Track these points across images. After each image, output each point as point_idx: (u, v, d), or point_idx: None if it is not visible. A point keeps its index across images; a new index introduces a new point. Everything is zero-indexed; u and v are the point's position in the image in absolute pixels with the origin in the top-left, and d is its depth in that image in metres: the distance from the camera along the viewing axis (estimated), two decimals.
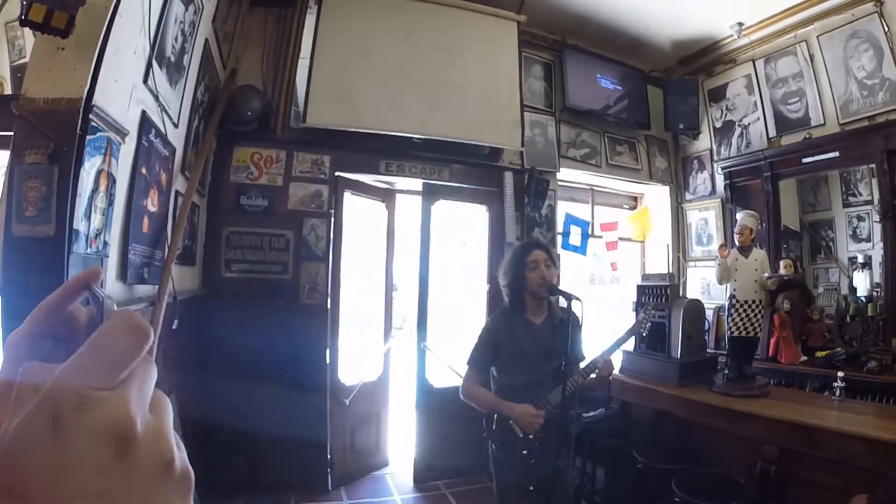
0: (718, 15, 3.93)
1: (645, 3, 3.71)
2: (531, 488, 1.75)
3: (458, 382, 1.92)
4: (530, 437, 1.71)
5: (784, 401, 2.49)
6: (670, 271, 4.13)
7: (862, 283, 3.73)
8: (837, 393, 2.44)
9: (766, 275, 2.93)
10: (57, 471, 0.16)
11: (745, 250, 2.75)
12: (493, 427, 1.79)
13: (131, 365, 0.18)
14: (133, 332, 0.18)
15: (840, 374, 2.52)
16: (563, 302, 1.75)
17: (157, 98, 2.03)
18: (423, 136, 3.32)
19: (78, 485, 0.16)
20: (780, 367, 3.41)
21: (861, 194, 3.88)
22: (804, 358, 3.42)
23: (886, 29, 3.37)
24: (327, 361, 3.10)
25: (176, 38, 2.15)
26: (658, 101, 4.35)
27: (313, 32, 3.12)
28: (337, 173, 3.24)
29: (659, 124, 4.46)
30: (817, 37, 3.70)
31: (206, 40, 2.62)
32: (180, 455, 0.19)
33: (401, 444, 3.58)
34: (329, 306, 3.15)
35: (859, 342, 3.38)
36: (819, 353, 3.34)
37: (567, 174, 4.02)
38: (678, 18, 3.99)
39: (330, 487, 3.02)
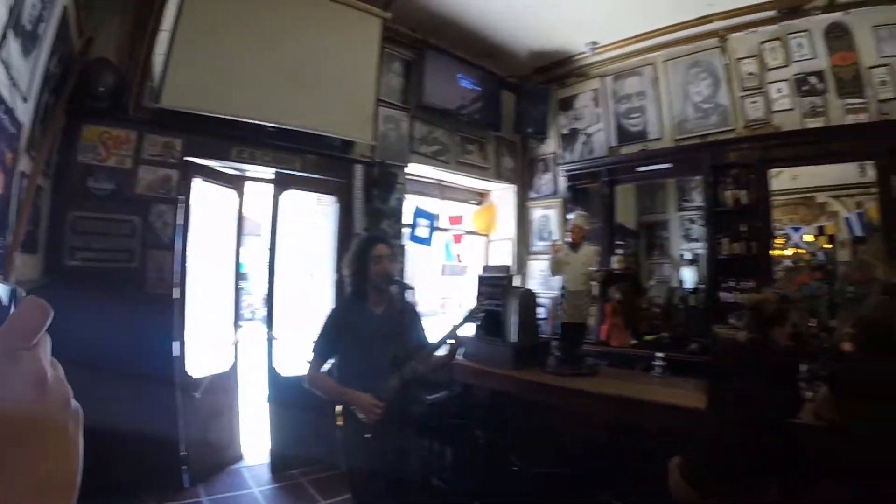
0: (576, 32, 5.54)
1: (509, 13, 4.92)
2: (379, 470, 2.20)
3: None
4: (371, 424, 2.21)
5: (611, 379, 3.48)
6: (513, 263, 5.81)
7: (689, 277, 5.52)
8: (658, 371, 3.57)
9: (593, 268, 4.37)
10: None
11: (575, 247, 4.06)
12: (339, 417, 2.28)
13: (39, 334, 0.33)
14: (39, 311, 0.33)
15: (659, 354, 3.67)
16: (414, 293, 2.40)
17: (8, 70, 2.15)
18: (277, 125, 4.03)
19: (14, 410, 0.31)
20: (612, 349, 4.84)
21: (694, 200, 5.62)
22: (634, 342, 4.95)
23: (726, 62, 5.23)
24: (176, 354, 3.55)
25: (34, 5, 2.28)
26: (511, 105, 5.88)
27: (177, 5, 3.50)
28: (187, 158, 3.73)
29: (510, 127, 5.99)
30: (663, 62, 5.56)
31: (65, 7, 2.74)
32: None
33: (255, 435, 4.25)
34: (177, 296, 3.62)
35: (683, 327, 4.99)
36: (647, 338, 4.92)
37: (417, 169, 5.24)
38: (539, 31, 5.54)
39: (186, 485, 3.48)
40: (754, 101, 5.13)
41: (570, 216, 4.50)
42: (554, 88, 6.01)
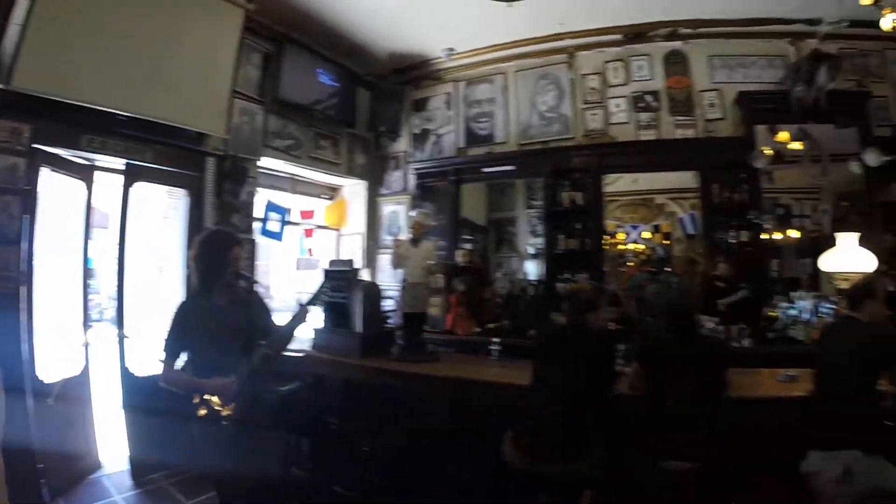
0: (434, 38, 6.48)
1: (371, 13, 5.54)
2: (239, 463, 2.46)
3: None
4: (228, 411, 2.51)
5: (451, 363, 4.19)
6: (363, 258, 6.79)
7: (533, 270, 6.71)
8: (495, 355, 4.27)
9: (432, 262, 5.23)
10: None
11: (416, 242, 4.67)
12: (195, 407, 2.54)
13: None
14: None
15: (496, 339, 4.40)
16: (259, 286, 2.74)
17: None
18: (129, 114, 4.19)
19: None
20: (458, 337, 5.61)
21: (540, 199, 6.65)
22: (478, 329, 5.95)
23: (572, 77, 6.46)
24: (24, 358, 3.58)
25: None
26: (366, 103, 6.72)
27: None
28: (35, 145, 3.77)
29: (364, 124, 6.84)
30: (514, 72, 6.74)
31: None
32: None
33: (113, 441, 4.40)
34: (23, 296, 3.64)
35: (524, 316, 5.98)
36: (490, 326, 5.97)
37: (270, 163, 5.79)
38: (399, 34, 6.36)
39: (47, 499, 3.56)
40: (594, 114, 6.44)
41: (413, 213, 5.42)
42: (409, 89, 7.00)
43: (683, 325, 3.05)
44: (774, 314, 5.64)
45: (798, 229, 7.24)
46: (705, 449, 2.73)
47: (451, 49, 6.35)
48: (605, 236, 6.51)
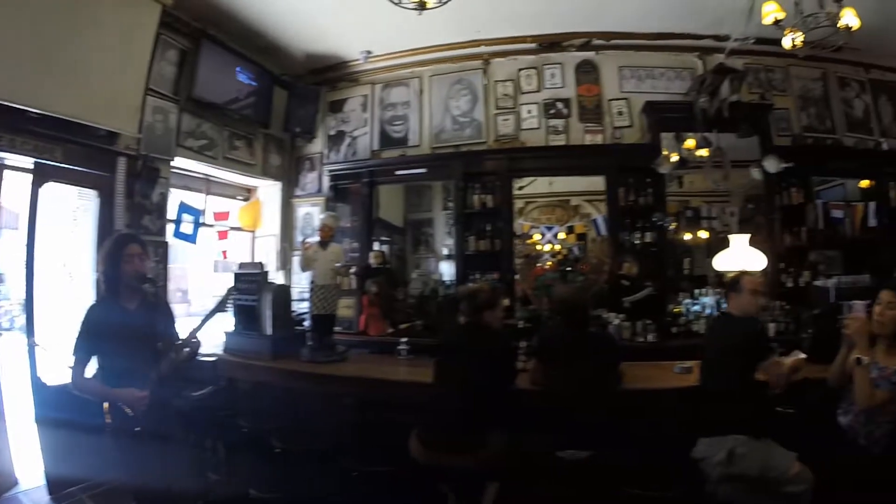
0: (351, 41, 7.02)
1: (289, 13, 5.89)
2: (153, 469, 2.65)
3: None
4: (139, 416, 2.68)
5: (360, 363, 4.60)
6: (277, 260, 7.28)
7: (448, 270, 7.36)
8: (403, 354, 4.66)
9: (339, 264, 5.50)
10: None
11: (324, 244, 5.12)
12: (107, 414, 2.72)
13: None
14: None
15: (403, 339, 4.79)
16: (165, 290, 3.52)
17: None
18: (39, 111, 4.27)
19: None
20: (371, 338, 6.05)
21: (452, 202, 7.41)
22: (391, 330, 6.48)
23: (486, 83, 7.20)
24: None
25: None
26: (282, 104, 7.05)
27: None
28: None
29: (279, 124, 7.17)
30: (430, 76, 7.42)
31: None
32: None
33: (28, 456, 4.42)
34: None
35: (434, 316, 6.62)
36: (402, 326, 6.53)
37: (183, 163, 6.00)
38: (317, 35, 6.82)
39: None
40: (506, 119, 7.20)
41: (321, 216, 5.92)
42: (325, 90, 7.52)
43: (576, 321, 3.50)
44: (679, 310, 6.46)
45: (707, 230, 8.23)
46: (600, 438, 3.11)
47: (369, 52, 6.88)
48: (517, 237, 7.27)
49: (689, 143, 6.91)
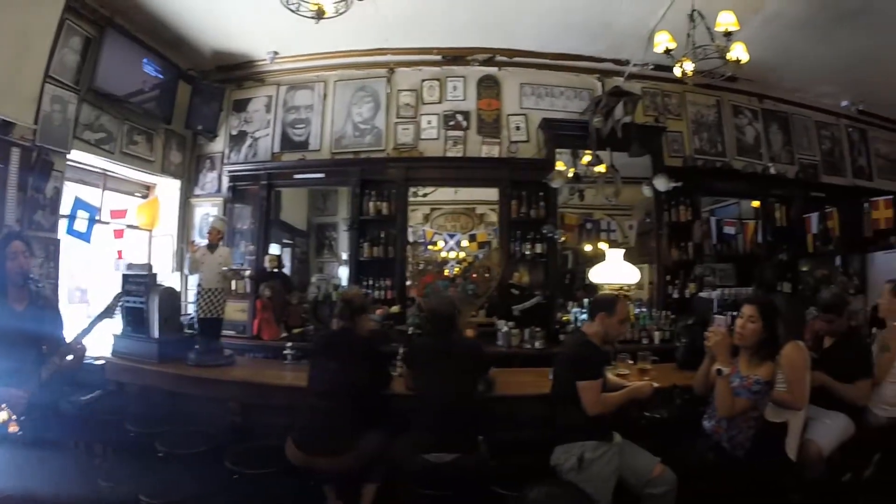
0: (259, 40, 7.09)
1: (199, 7, 5.86)
2: (39, 480, 2.62)
3: None
4: (21, 418, 2.66)
5: (246, 368, 4.63)
6: (174, 260, 7.23)
7: (345, 274, 7.45)
8: (290, 358, 4.74)
9: (227, 268, 5.27)
10: None
11: (212, 247, 5.09)
12: None
13: None
14: None
15: (289, 343, 4.90)
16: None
17: None
18: None
19: None
20: (264, 343, 6.13)
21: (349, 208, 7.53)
22: (285, 334, 6.59)
23: (389, 91, 7.38)
24: None
25: None
26: (186, 99, 6.91)
27: None
28: None
29: (181, 121, 7.00)
30: (335, 81, 7.55)
31: None
32: None
33: None
34: None
35: (326, 321, 6.59)
36: (296, 330, 6.61)
37: (79, 156, 5.79)
38: (225, 32, 6.83)
39: None
40: (406, 128, 7.42)
41: (210, 219, 6.03)
42: (231, 89, 7.52)
43: (442, 330, 3.61)
44: (567, 318, 6.79)
45: (607, 241, 8.77)
46: (466, 442, 3.27)
47: (276, 52, 6.98)
48: (419, 244, 7.60)
49: (585, 159, 7.42)
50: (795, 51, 7.41)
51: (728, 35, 5.06)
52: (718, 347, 3.27)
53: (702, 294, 7.04)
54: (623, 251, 6.48)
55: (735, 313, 4.49)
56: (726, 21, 5.04)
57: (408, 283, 7.00)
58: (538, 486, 3.01)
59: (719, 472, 3.24)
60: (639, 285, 7.85)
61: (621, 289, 6.48)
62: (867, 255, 8.59)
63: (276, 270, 6.84)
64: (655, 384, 3.76)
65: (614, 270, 6.43)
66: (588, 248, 8.13)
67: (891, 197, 8.06)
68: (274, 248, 7.35)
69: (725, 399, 3.18)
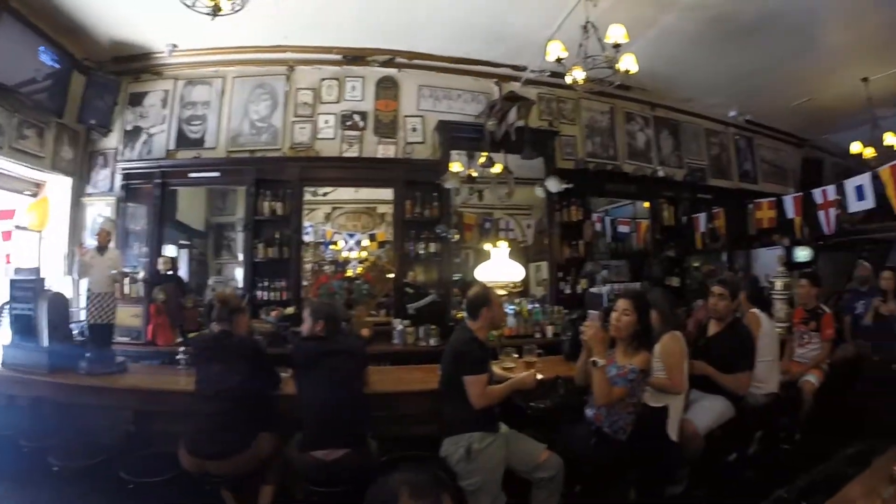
0: (158, 32, 6.88)
1: None
2: None
3: None
4: None
5: (139, 374, 4.55)
6: (65, 262, 6.74)
7: (240, 275, 7.34)
8: (182, 363, 4.55)
9: (116, 271, 5.14)
10: None
11: (101, 249, 4.94)
12: None
13: None
14: None
15: (181, 348, 4.71)
16: None
17: None
18: None
19: None
20: (159, 348, 5.84)
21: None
22: (180, 339, 6.27)
23: (287, 89, 7.35)
24: None
25: None
26: (79, 91, 6.56)
27: None
28: None
29: (74, 114, 6.61)
30: (233, 77, 7.46)
31: None
32: None
33: None
34: None
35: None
36: (191, 335, 6.23)
37: None
38: (124, 21, 6.55)
39: None
40: (303, 127, 7.47)
41: (99, 220, 5.71)
42: (126, 81, 7.19)
43: (328, 329, 3.67)
44: (461, 315, 7.09)
45: (506, 240, 9.26)
46: (354, 438, 3.39)
47: (174, 45, 6.83)
48: (319, 244, 7.66)
49: (480, 160, 7.80)
50: (688, 64, 8.02)
51: (617, 47, 5.43)
52: (593, 340, 3.46)
53: (592, 289, 7.44)
54: (508, 249, 6.76)
55: (592, 311, 5.14)
56: (616, 34, 5.39)
57: (304, 283, 7.01)
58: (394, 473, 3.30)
59: (603, 455, 3.53)
60: (536, 282, 8.43)
61: (506, 286, 6.96)
62: (751, 252, 9.59)
63: (170, 273, 6.71)
64: (540, 375, 3.97)
65: (499, 268, 6.67)
66: (487, 246, 8.36)
67: (773, 199, 8.80)
68: (170, 250, 7.12)
69: (602, 388, 3.41)
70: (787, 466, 4.85)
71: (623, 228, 9.33)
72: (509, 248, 8.89)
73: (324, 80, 7.49)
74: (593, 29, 5.63)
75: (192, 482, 3.48)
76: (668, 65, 8.02)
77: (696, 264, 9.65)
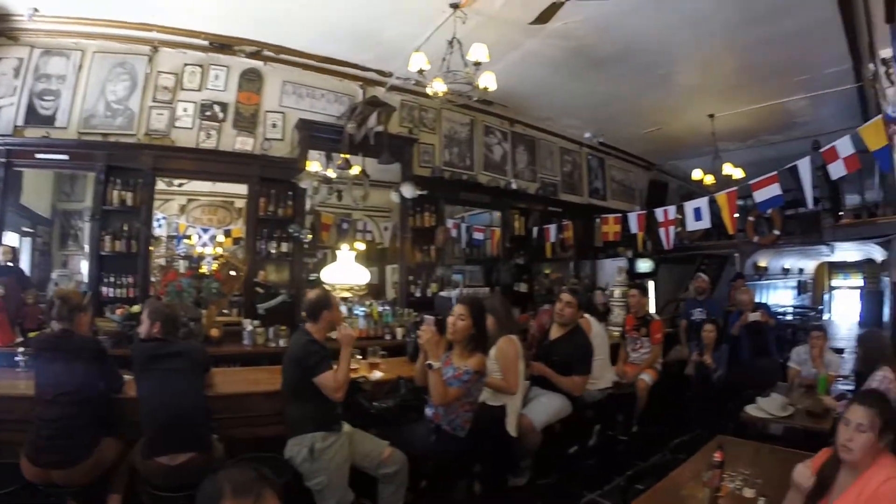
0: None
1: None
2: None
3: None
4: None
5: None
6: None
7: (86, 269, 6.87)
8: (22, 365, 4.25)
9: None
10: None
11: None
12: None
13: None
14: None
15: (21, 350, 4.38)
16: None
17: None
18: None
19: None
20: None
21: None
22: (20, 339, 5.76)
23: (148, 71, 7.07)
24: None
25: None
26: None
27: None
28: None
29: None
30: (94, 52, 6.96)
31: None
32: None
33: None
34: None
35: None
36: (32, 334, 5.74)
37: None
38: None
39: None
40: (161, 114, 7.19)
41: None
42: None
43: (166, 330, 3.69)
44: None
45: (364, 241, 9.84)
46: (198, 442, 3.42)
47: (36, 9, 6.18)
48: (172, 238, 7.51)
49: (339, 162, 8.29)
50: (548, 86, 8.71)
51: (478, 65, 5.82)
52: (428, 344, 3.64)
53: (442, 293, 8.05)
54: (354, 253, 7.22)
55: (427, 316, 5.58)
56: (478, 53, 5.78)
57: (153, 280, 6.72)
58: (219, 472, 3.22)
59: (443, 451, 3.81)
60: (392, 284, 8.95)
61: (351, 289, 7.53)
62: (597, 262, 10.77)
63: (10, 265, 6.21)
64: (379, 374, 4.62)
65: (345, 271, 7.13)
66: (345, 247, 8.82)
67: (619, 215, 9.79)
68: (11, 238, 6.54)
69: (438, 389, 3.60)
70: (626, 456, 5.65)
71: (478, 235, 9.94)
72: (366, 250, 9.58)
73: (187, 65, 7.21)
74: (458, 45, 5.99)
75: (35, 494, 3.45)
76: (530, 85, 8.67)
77: (547, 271, 10.66)
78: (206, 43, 7.53)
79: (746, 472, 2.95)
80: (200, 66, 7.59)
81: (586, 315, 5.60)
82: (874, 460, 2.31)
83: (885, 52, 5.18)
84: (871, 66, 6.55)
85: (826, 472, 2.43)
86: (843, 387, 6.07)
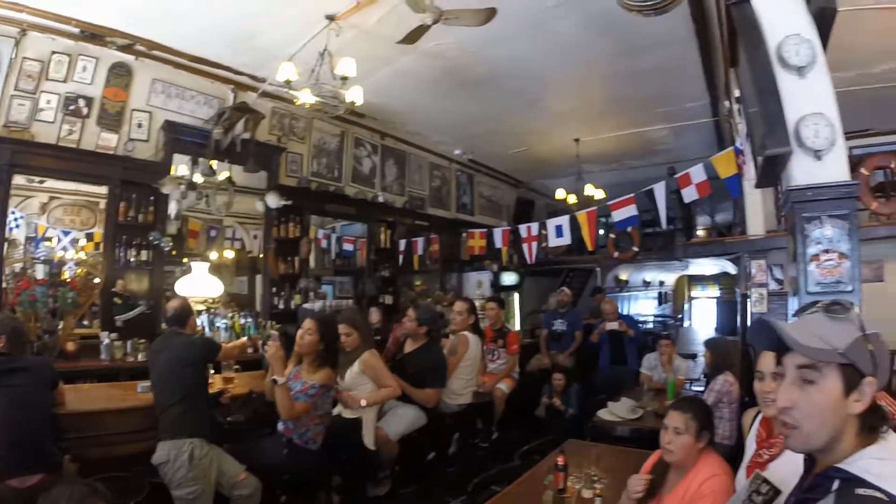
0: None
1: None
2: None
3: None
4: None
5: None
6: None
7: None
8: None
9: None
10: None
11: None
12: None
13: None
14: None
15: None
16: None
17: None
18: None
19: None
20: None
21: None
22: None
23: (14, 56, 6.62)
24: None
25: None
26: None
27: None
28: None
29: None
30: None
31: None
32: None
33: None
34: None
35: None
36: None
37: None
38: None
39: None
40: (22, 104, 6.78)
41: None
42: None
43: (12, 345, 3.58)
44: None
45: (233, 249, 9.61)
46: (47, 462, 3.38)
47: None
48: (7, 241, 6.95)
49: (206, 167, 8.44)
50: (420, 103, 9.11)
51: (344, 80, 6.07)
52: (273, 359, 3.73)
53: (306, 305, 8.24)
54: (207, 265, 7.34)
55: (273, 332, 5.85)
56: (345, 67, 6.00)
57: (4, 286, 6.16)
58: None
59: (296, 464, 3.96)
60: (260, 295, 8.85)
61: (205, 301, 7.87)
62: (463, 274, 11.45)
63: None
64: (231, 388, 4.67)
65: (198, 283, 7.22)
66: (213, 254, 8.55)
67: (485, 230, 10.34)
68: None
69: (284, 404, 3.69)
70: (487, 461, 5.92)
71: (348, 246, 10.17)
72: (236, 258, 9.69)
73: (55, 53, 6.97)
74: (329, 57, 6.21)
75: None
76: (402, 101, 9.06)
77: (418, 283, 11.21)
78: (76, 31, 7.08)
79: (592, 473, 3.12)
80: (69, 55, 7.15)
81: (466, 333, 6.02)
82: (698, 459, 2.60)
83: (738, 91, 5.90)
84: (726, 103, 7.37)
85: (657, 471, 2.69)
86: (696, 388, 6.93)
